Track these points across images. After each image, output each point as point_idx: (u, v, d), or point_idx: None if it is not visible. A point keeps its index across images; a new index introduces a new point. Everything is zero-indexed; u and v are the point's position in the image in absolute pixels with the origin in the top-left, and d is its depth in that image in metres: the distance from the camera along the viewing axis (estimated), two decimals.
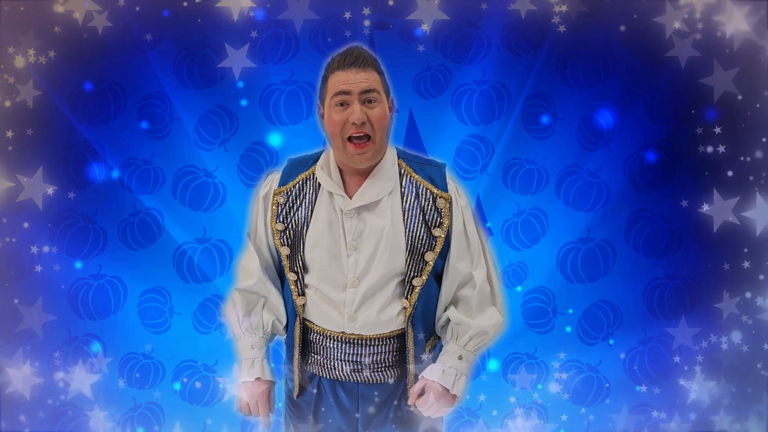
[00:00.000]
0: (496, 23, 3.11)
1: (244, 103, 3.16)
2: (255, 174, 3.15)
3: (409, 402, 2.07)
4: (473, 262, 2.11)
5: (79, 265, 3.18)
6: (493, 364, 3.20)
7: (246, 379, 2.15)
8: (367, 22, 3.08)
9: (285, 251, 2.10)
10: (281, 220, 2.10)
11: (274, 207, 2.12)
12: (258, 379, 2.14)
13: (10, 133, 3.10)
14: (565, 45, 3.10)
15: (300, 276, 2.10)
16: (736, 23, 3.01)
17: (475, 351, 2.11)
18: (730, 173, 3.10)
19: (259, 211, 2.18)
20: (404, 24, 3.08)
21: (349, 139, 2.00)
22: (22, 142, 3.12)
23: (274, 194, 2.13)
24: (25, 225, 3.12)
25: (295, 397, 2.20)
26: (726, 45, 3.05)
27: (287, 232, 2.10)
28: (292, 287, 2.11)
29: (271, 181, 2.17)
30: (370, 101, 1.99)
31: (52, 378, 3.15)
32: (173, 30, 3.11)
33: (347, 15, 3.08)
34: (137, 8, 3.08)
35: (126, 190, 3.18)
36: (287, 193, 2.11)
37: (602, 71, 3.12)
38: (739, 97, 3.07)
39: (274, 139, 3.17)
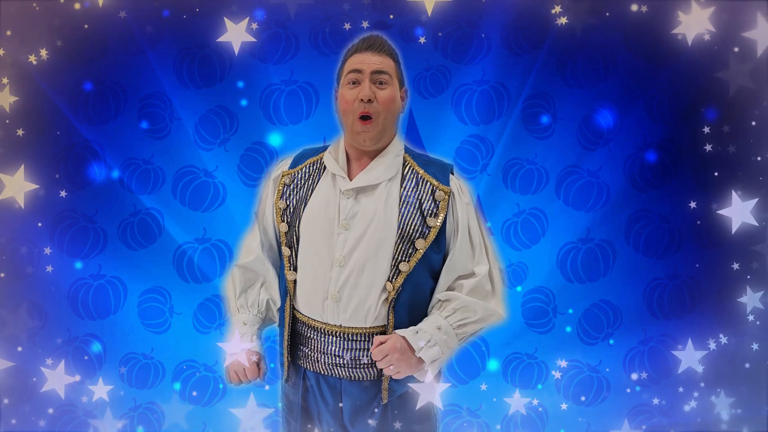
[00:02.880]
0: (496, 23, 3.11)
1: (244, 103, 3.16)
2: (255, 174, 3.15)
3: (372, 349, 2.04)
4: (475, 259, 2.13)
5: (79, 265, 3.18)
6: (493, 364, 3.20)
7: (234, 351, 2.19)
8: (365, 16, 3.07)
9: (283, 228, 2.15)
10: (284, 199, 2.17)
11: (280, 187, 2.19)
12: (246, 351, 2.18)
13: (1, 132, 3.11)
14: (565, 45, 3.10)
15: (293, 252, 2.13)
16: (745, 22, 3.00)
17: (458, 327, 2.07)
18: (730, 173, 3.10)
19: (268, 192, 2.25)
20: (404, 22, 3.07)
21: (357, 116, 2.07)
22: (21, 142, 3.12)
23: (282, 176, 2.21)
24: (21, 225, 3.12)
25: (284, 381, 2.21)
26: (727, 45, 3.05)
27: (288, 209, 2.16)
28: (286, 263, 2.15)
29: (282, 165, 2.26)
30: (381, 83, 2.08)
31: (51, 379, 3.15)
32: (173, 30, 3.11)
33: (346, 7, 3.07)
34: (137, 9, 3.09)
35: (126, 190, 3.18)
36: (294, 175, 2.19)
37: (602, 71, 3.12)
38: (739, 99, 3.07)
39: (274, 139, 3.17)
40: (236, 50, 3.04)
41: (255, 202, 2.32)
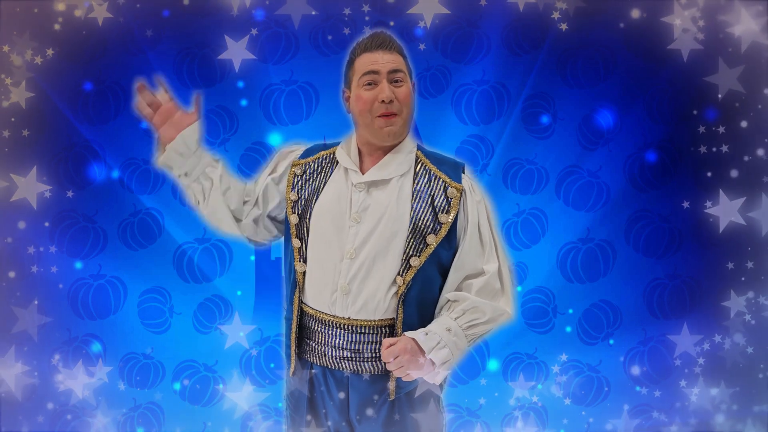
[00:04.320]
0: (496, 23, 3.11)
1: (244, 103, 3.16)
2: (255, 174, 3.15)
3: (382, 351, 2.04)
4: (485, 257, 2.13)
5: (79, 265, 3.18)
6: (493, 364, 3.20)
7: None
8: (367, 18, 3.08)
9: (294, 220, 2.15)
10: (296, 191, 2.17)
11: (290, 177, 2.19)
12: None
13: (6, 133, 3.11)
14: (565, 45, 3.10)
15: (303, 244, 2.13)
16: (740, 22, 3.01)
17: (467, 328, 2.07)
18: (731, 173, 3.11)
19: (270, 163, 2.26)
20: (404, 23, 3.08)
21: (377, 116, 2.07)
22: (23, 142, 3.12)
23: (293, 165, 2.20)
24: (21, 225, 3.13)
25: (290, 374, 2.21)
26: (730, 44, 3.05)
27: (299, 202, 2.16)
28: (296, 254, 2.15)
29: (295, 150, 2.25)
30: (396, 81, 2.07)
31: (51, 378, 3.15)
32: (173, 30, 3.11)
33: (346, 11, 3.08)
34: (137, 5, 3.09)
35: (126, 190, 3.18)
36: (305, 166, 2.19)
37: (602, 71, 3.12)
38: (741, 97, 3.07)
39: (274, 139, 3.17)
40: (237, 67, 3.06)
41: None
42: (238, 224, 2.24)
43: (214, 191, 2.20)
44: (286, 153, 2.26)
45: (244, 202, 2.25)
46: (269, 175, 2.25)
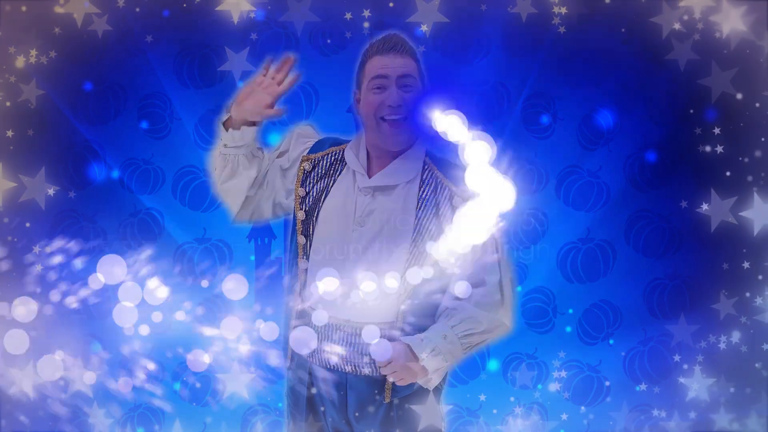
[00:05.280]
0: (496, 23, 3.11)
1: None
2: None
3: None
4: (487, 268, 2.13)
5: (79, 265, 3.17)
6: (493, 364, 3.20)
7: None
8: (366, 24, 3.08)
9: (301, 216, 2.16)
10: (305, 186, 2.17)
11: (300, 173, 2.19)
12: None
13: (10, 133, 3.11)
14: (565, 45, 3.10)
15: (308, 241, 2.15)
16: (734, 24, 3.02)
17: (463, 337, 2.07)
18: (729, 173, 3.11)
19: (284, 141, 2.26)
20: (404, 24, 3.08)
21: (383, 119, 2.06)
22: (23, 142, 3.12)
23: (302, 160, 2.20)
24: (27, 225, 3.13)
25: (287, 367, 2.22)
26: (725, 45, 3.05)
27: (308, 198, 2.17)
28: (300, 251, 2.16)
29: (308, 143, 2.24)
30: (406, 86, 2.07)
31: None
32: (173, 30, 3.11)
33: (348, 15, 3.08)
34: (137, 8, 3.09)
35: (126, 190, 3.18)
36: (314, 161, 2.19)
37: (602, 71, 3.12)
38: (739, 98, 3.07)
39: (274, 139, 3.16)
40: (237, 78, 3.06)
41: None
42: (241, 211, 2.24)
43: (241, 180, 2.21)
44: (300, 140, 2.25)
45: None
46: (277, 157, 2.24)
